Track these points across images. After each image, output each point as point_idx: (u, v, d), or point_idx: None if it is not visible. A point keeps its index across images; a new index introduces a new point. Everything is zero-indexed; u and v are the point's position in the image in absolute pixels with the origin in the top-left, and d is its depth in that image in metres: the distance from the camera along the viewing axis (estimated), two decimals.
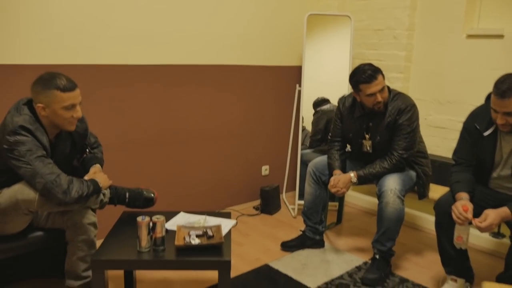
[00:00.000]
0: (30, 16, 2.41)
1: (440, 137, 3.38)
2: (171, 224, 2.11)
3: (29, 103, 1.96)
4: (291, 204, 3.74)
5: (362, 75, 2.49)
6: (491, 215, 1.99)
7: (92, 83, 2.69)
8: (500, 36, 3.00)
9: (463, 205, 2.07)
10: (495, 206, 2.06)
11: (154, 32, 2.89)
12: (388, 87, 2.64)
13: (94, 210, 2.08)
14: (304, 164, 3.50)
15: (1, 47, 2.35)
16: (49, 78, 1.89)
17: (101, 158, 2.30)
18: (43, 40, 2.47)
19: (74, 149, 2.17)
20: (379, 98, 2.52)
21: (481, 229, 2.01)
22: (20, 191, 1.88)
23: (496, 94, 1.95)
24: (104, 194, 2.12)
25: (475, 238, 3.02)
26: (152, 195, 2.31)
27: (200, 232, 1.96)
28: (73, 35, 2.57)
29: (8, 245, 2.00)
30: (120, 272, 2.44)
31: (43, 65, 2.45)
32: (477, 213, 2.06)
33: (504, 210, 2.00)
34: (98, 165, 2.20)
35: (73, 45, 2.58)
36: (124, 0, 2.72)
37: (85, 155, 2.25)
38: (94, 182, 2.01)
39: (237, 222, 3.37)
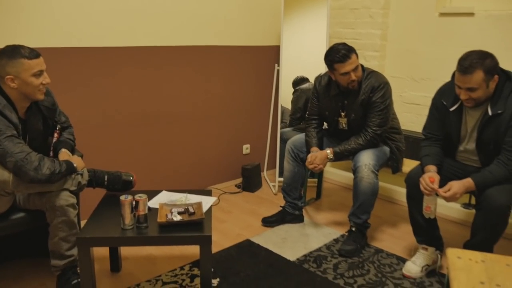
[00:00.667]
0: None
1: (414, 113, 3.49)
2: (154, 203, 2.18)
3: None
4: (272, 182, 3.84)
5: (336, 54, 2.56)
6: (455, 185, 2.12)
7: (72, 66, 2.70)
8: (471, 14, 3.09)
9: (430, 176, 2.19)
10: (462, 178, 2.18)
11: (133, 15, 2.90)
12: (362, 66, 2.72)
13: (73, 192, 2.11)
14: (284, 142, 3.58)
15: None
16: (13, 49, 1.92)
17: (70, 141, 2.30)
18: (25, 23, 2.47)
19: (47, 124, 2.19)
20: (353, 76, 2.60)
21: (446, 199, 2.13)
22: None
23: (459, 71, 2.06)
24: (82, 176, 2.16)
25: (447, 209, 3.18)
26: (131, 178, 2.35)
27: (182, 209, 2.04)
28: (54, 19, 2.57)
29: None
30: (106, 252, 2.52)
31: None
32: (445, 185, 2.18)
33: (468, 181, 2.12)
34: (64, 150, 2.21)
35: (53, 28, 2.58)
36: None
37: (56, 135, 2.25)
38: (67, 162, 2.05)
39: (219, 199, 3.47)
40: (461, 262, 1.67)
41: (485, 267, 1.63)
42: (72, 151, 2.25)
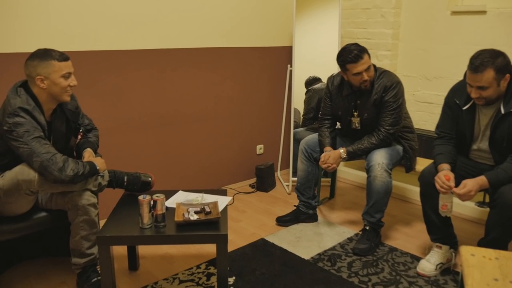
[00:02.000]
0: (24, 4, 2.47)
1: (427, 112, 3.49)
2: (171, 202, 2.23)
3: (24, 85, 2.06)
4: (286, 181, 3.87)
5: (349, 55, 2.59)
6: (469, 183, 2.13)
7: (86, 69, 2.77)
8: (483, 12, 3.08)
9: (445, 175, 2.20)
10: (476, 176, 2.19)
11: (146, 17, 2.96)
12: (374, 66, 2.73)
13: (94, 192, 2.18)
14: (297, 142, 3.61)
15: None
16: (44, 52, 2.02)
17: (94, 142, 2.38)
18: (37, 28, 2.54)
19: (69, 127, 2.28)
20: (365, 76, 2.62)
21: (460, 197, 2.15)
22: (20, 172, 1.98)
23: (470, 69, 2.08)
24: (102, 177, 2.23)
25: (461, 207, 3.18)
26: (150, 179, 2.42)
27: (198, 209, 2.09)
28: (67, 22, 2.63)
29: (14, 226, 2.11)
30: (124, 251, 2.58)
31: None
32: (459, 183, 2.19)
33: (481, 179, 2.13)
34: (89, 149, 2.29)
35: (67, 32, 2.64)
36: None
37: (80, 137, 2.34)
38: (91, 163, 2.12)
39: (233, 199, 3.51)
40: (475, 259, 1.68)
41: (499, 264, 1.65)
42: (95, 152, 2.32)
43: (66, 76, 2.05)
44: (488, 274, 1.58)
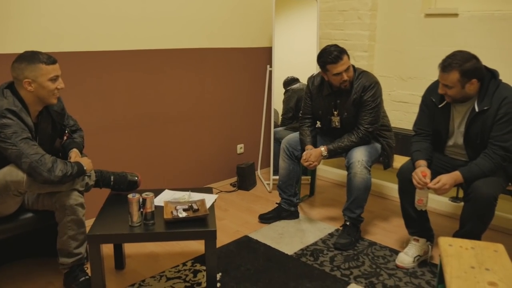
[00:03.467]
0: (11, 4, 2.45)
1: (403, 111, 3.62)
2: (158, 200, 2.26)
3: (10, 87, 2.05)
4: (266, 180, 3.93)
5: (329, 56, 2.67)
6: (444, 178, 2.25)
7: (71, 70, 2.76)
8: (455, 15, 3.22)
9: (422, 171, 2.31)
10: (451, 171, 2.30)
11: (128, 19, 2.97)
12: (353, 66, 2.83)
13: (81, 192, 2.19)
14: (277, 141, 3.68)
15: None
16: (32, 55, 2.02)
17: (80, 142, 2.39)
18: (23, 28, 2.52)
19: (55, 128, 2.27)
20: (345, 77, 2.71)
21: (436, 191, 2.26)
22: (8, 173, 1.97)
23: (439, 67, 2.25)
24: (89, 177, 2.24)
25: (436, 203, 3.31)
26: (136, 178, 2.44)
27: (186, 206, 2.12)
28: (54, 23, 2.62)
29: (0, 227, 2.09)
30: (110, 251, 2.59)
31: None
32: (434, 178, 2.30)
33: (456, 174, 2.25)
34: (75, 150, 2.29)
35: (53, 32, 2.64)
36: None
37: (65, 138, 2.34)
38: (78, 164, 2.12)
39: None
40: (453, 249, 1.78)
41: (474, 253, 1.75)
42: (81, 152, 2.33)
43: (54, 79, 2.05)
44: (465, 262, 1.68)
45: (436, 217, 3.21)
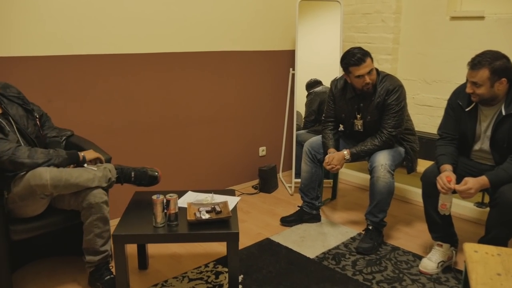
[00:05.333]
0: (38, 9, 2.53)
1: (427, 114, 3.58)
2: (181, 202, 2.28)
3: None
4: (288, 183, 3.94)
5: (352, 58, 2.66)
6: (470, 181, 2.21)
7: (100, 72, 2.83)
8: (481, 18, 3.17)
9: (447, 176, 2.28)
10: (476, 176, 2.26)
11: (156, 22, 3.02)
12: (377, 69, 2.81)
13: (105, 189, 2.24)
14: (299, 144, 3.68)
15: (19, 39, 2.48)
16: None
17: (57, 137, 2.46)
18: (54, 32, 2.60)
19: (27, 110, 2.30)
20: (368, 79, 2.70)
21: (461, 193, 2.23)
22: (32, 177, 2.03)
23: (469, 64, 2.22)
24: (110, 171, 2.28)
25: (461, 208, 3.26)
26: (156, 173, 2.45)
27: (209, 208, 2.15)
28: (82, 28, 2.70)
29: (29, 226, 2.16)
30: (133, 251, 2.63)
31: (55, 56, 2.61)
32: (459, 183, 2.27)
33: (482, 178, 2.21)
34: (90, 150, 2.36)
35: (81, 36, 2.71)
36: None
37: (38, 123, 2.37)
38: (70, 152, 2.19)
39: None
40: (478, 256, 1.75)
41: (501, 260, 1.72)
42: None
43: None
44: (491, 269, 1.65)
45: (461, 223, 3.16)
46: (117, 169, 2.36)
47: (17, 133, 2.18)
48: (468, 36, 3.25)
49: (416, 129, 3.31)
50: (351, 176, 4.03)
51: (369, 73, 2.70)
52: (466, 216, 3.25)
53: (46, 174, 2.03)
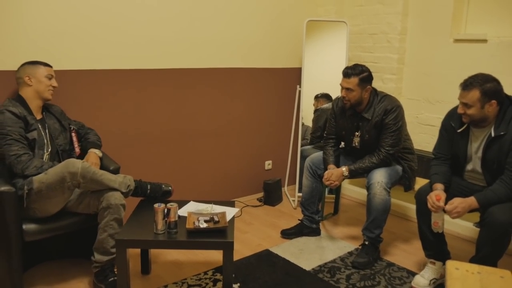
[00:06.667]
0: (60, 26, 2.72)
1: (430, 134, 3.64)
2: (183, 211, 2.42)
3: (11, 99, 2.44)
4: (292, 197, 4.04)
5: (345, 68, 2.87)
6: (457, 201, 2.29)
7: (112, 86, 3.01)
8: (484, 41, 3.25)
9: (436, 194, 2.36)
10: (468, 196, 2.33)
11: (167, 40, 3.19)
12: (375, 89, 2.92)
13: (124, 194, 2.41)
14: (305, 159, 3.78)
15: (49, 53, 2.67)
16: (32, 61, 2.50)
17: (94, 140, 2.70)
18: (75, 48, 2.80)
19: (62, 126, 2.62)
20: (343, 93, 2.87)
21: (449, 213, 2.30)
22: (65, 165, 2.26)
23: (461, 85, 2.34)
24: (129, 181, 2.48)
25: (460, 227, 3.31)
26: (170, 188, 2.65)
27: (208, 218, 2.27)
28: (99, 45, 2.89)
29: (42, 227, 2.31)
30: (137, 256, 2.77)
31: (70, 70, 2.79)
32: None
33: (470, 199, 2.28)
34: (91, 150, 2.61)
35: (96, 53, 2.89)
36: (141, 14, 3.03)
37: (74, 135, 2.67)
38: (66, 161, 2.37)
39: (241, 212, 3.69)
40: (458, 273, 1.83)
41: (480, 278, 1.79)
42: (99, 147, 2.68)
43: (49, 77, 2.49)
44: (468, 286, 1.73)
45: (460, 242, 3.21)
46: (136, 182, 2.54)
47: (48, 139, 2.49)
48: (471, 58, 3.33)
49: (418, 148, 3.39)
50: (354, 192, 4.11)
51: (348, 89, 2.83)
52: (465, 236, 3.30)
53: (78, 164, 2.25)
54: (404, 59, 3.77)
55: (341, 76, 2.90)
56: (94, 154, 2.58)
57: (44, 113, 2.54)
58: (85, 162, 2.31)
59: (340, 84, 2.88)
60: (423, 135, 3.68)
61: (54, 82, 2.52)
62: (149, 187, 2.57)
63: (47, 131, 2.49)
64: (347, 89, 2.84)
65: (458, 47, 3.41)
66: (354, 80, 2.81)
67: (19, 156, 2.28)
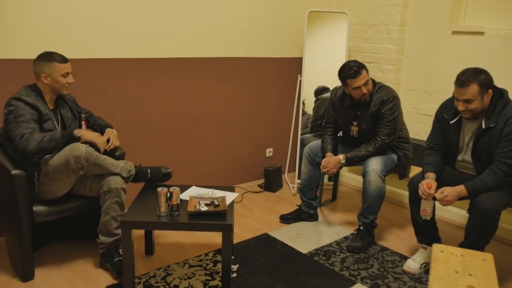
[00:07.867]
0: (69, 17, 2.82)
1: (427, 124, 3.72)
2: (185, 195, 2.53)
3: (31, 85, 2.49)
4: (292, 183, 4.15)
5: (348, 71, 2.86)
6: (447, 189, 2.39)
7: (119, 74, 3.11)
8: (481, 33, 3.31)
9: (427, 183, 2.46)
10: (459, 184, 2.43)
11: (171, 30, 3.29)
12: (373, 80, 3.00)
13: (124, 179, 2.52)
14: (305, 146, 3.88)
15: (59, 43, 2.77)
16: (48, 55, 2.45)
17: (105, 124, 2.78)
18: (84, 37, 2.90)
19: (74, 115, 2.69)
20: (364, 90, 2.89)
21: (439, 201, 2.40)
22: (69, 148, 2.36)
23: (457, 84, 2.36)
24: (130, 166, 2.58)
25: (454, 215, 3.41)
26: (169, 170, 2.75)
27: (208, 202, 2.38)
28: (104, 34, 2.98)
29: (51, 209, 2.44)
30: (142, 238, 2.90)
31: (85, 59, 2.89)
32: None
33: (460, 187, 2.38)
34: (108, 129, 2.71)
35: (103, 42, 2.99)
36: (147, 4, 3.11)
37: (83, 123, 2.70)
38: (64, 131, 2.48)
39: (242, 197, 3.81)
40: (443, 255, 1.94)
41: (462, 260, 1.90)
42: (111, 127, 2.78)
43: (65, 75, 2.48)
44: (451, 267, 1.84)
45: (452, 228, 3.32)
46: (136, 167, 2.65)
47: (60, 128, 2.54)
48: (468, 50, 3.39)
49: (416, 137, 3.47)
50: (353, 180, 4.21)
51: (365, 84, 2.89)
52: (457, 223, 3.40)
53: (82, 148, 2.36)
54: (403, 50, 3.84)
55: (341, 65, 2.93)
56: (111, 131, 2.70)
57: (58, 101, 2.59)
58: (89, 146, 2.40)
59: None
60: (421, 124, 3.76)
61: (70, 79, 2.51)
62: (149, 171, 2.68)
63: (59, 120, 2.56)
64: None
65: (456, 39, 3.48)
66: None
67: (22, 136, 2.31)
